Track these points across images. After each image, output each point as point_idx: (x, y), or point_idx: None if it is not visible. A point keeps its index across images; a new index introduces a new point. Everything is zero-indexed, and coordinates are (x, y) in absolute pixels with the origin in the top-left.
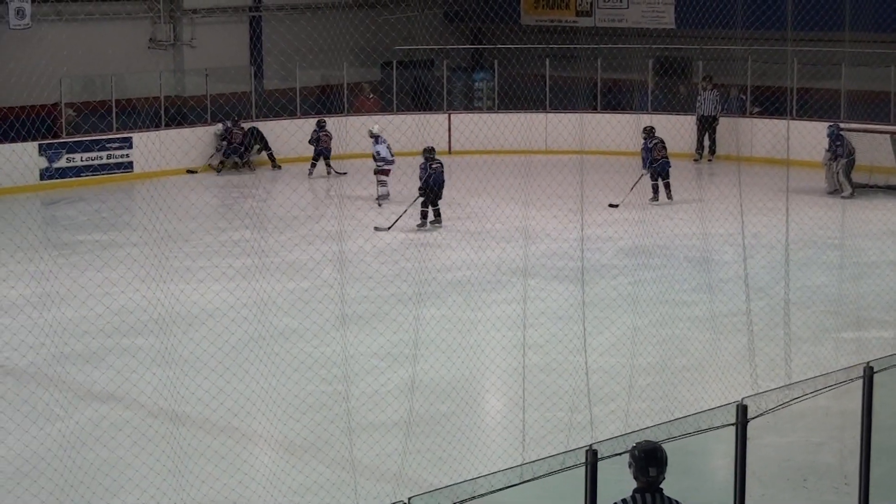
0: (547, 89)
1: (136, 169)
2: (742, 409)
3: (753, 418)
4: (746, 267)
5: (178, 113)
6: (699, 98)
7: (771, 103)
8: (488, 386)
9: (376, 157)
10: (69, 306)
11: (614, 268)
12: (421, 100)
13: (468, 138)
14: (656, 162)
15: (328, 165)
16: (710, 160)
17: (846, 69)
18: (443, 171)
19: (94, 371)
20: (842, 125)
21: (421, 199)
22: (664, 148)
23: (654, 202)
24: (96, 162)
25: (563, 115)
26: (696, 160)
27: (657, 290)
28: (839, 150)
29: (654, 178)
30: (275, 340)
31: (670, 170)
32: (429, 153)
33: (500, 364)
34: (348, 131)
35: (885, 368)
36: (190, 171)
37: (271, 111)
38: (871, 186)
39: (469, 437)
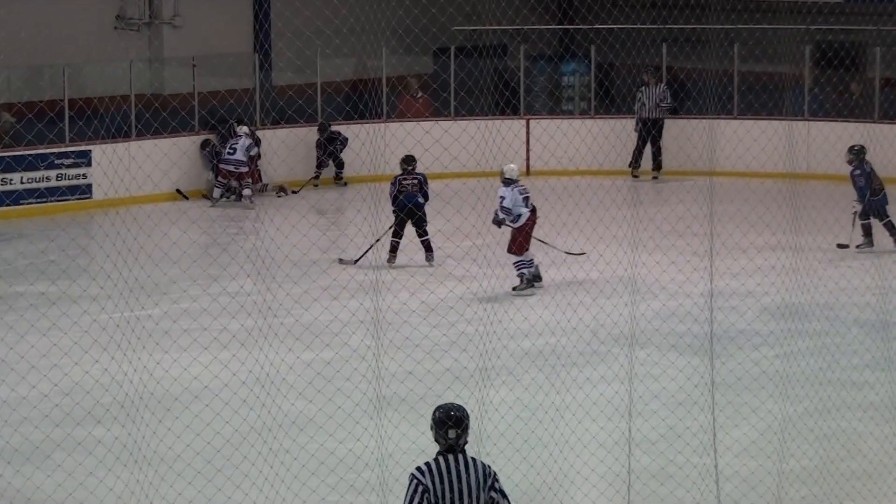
0: (663, 85)
1: (97, 194)
2: None
3: None
4: None
5: (154, 117)
6: (639, 96)
7: None
8: (580, 498)
9: (501, 209)
10: (3, 384)
11: (756, 335)
12: (489, 100)
13: (554, 153)
14: (876, 195)
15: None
16: (655, 177)
17: None
18: (420, 188)
19: (37, 473)
20: None
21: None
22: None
23: (868, 248)
24: (43, 185)
25: (684, 120)
26: (634, 176)
27: (817, 365)
28: None
29: (866, 217)
30: (285, 433)
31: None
32: (405, 163)
33: (597, 468)
34: (388, 143)
35: None
36: (180, 194)
37: (283, 114)
38: None
39: None
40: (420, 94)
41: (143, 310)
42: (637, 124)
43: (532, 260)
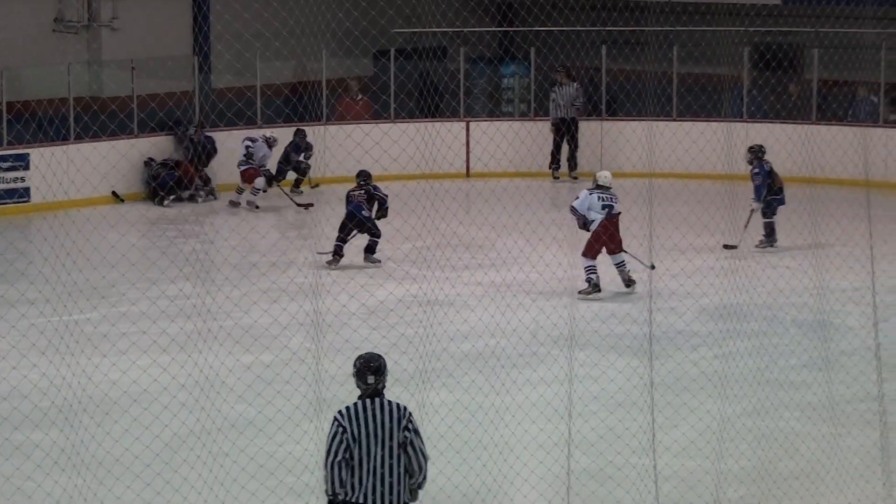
0: (603, 88)
1: (35, 198)
2: None
3: None
4: (878, 335)
5: (93, 120)
6: (553, 96)
7: None
8: (519, 500)
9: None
10: None
11: (695, 336)
12: (429, 103)
13: (493, 155)
14: (777, 194)
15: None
16: (574, 178)
17: None
18: (366, 200)
19: None
20: None
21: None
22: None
23: (771, 247)
24: None
25: (625, 122)
26: (554, 178)
27: (755, 366)
28: None
29: (768, 216)
30: (224, 436)
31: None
32: (357, 177)
33: (536, 469)
34: (328, 146)
35: None
36: (116, 196)
37: (222, 117)
38: None
39: None
40: (360, 97)
41: (81, 313)
42: (553, 125)
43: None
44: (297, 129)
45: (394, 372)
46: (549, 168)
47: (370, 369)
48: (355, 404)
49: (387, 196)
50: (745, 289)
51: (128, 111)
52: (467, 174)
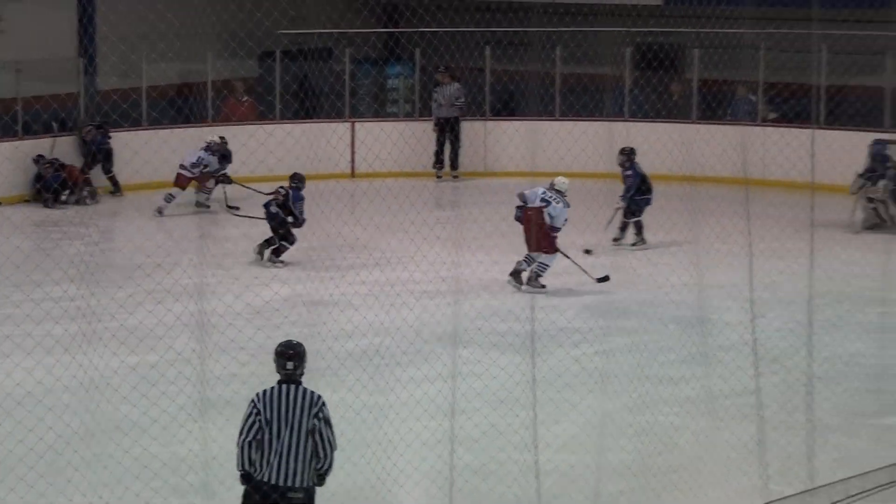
0: (487, 88)
1: None
2: None
3: None
4: (755, 330)
5: None
6: (435, 96)
7: (791, 107)
8: (403, 496)
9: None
10: None
11: (576, 332)
12: (314, 103)
13: (378, 155)
14: (645, 194)
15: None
16: (454, 176)
17: (892, 60)
18: (285, 202)
19: None
20: (885, 140)
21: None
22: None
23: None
24: None
25: (509, 122)
26: (437, 177)
27: (634, 362)
28: (889, 172)
29: (637, 215)
30: (109, 437)
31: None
32: (291, 180)
33: (420, 466)
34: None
35: None
36: None
37: (108, 118)
38: None
39: None
40: (245, 98)
41: None
42: (435, 125)
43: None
44: (221, 137)
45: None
46: (433, 167)
47: (289, 356)
48: (272, 388)
49: (302, 211)
50: (625, 286)
51: (11, 113)
52: (352, 174)
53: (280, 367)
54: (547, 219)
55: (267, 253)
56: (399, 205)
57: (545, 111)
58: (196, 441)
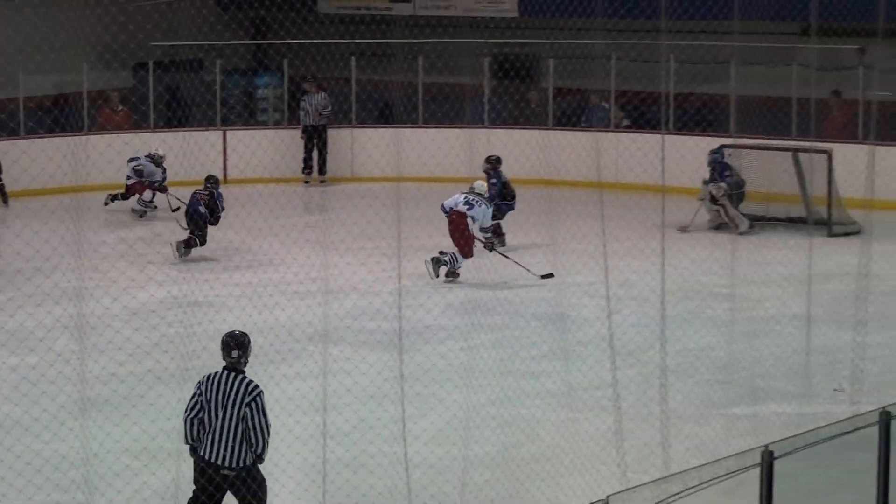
0: (353, 97)
1: None
2: None
3: None
4: (612, 325)
5: None
6: (303, 104)
7: (641, 114)
8: (278, 489)
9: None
10: None
11: (442, 329)
12: (186, 112)
13: (249, 162)
14: (508, 200)
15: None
16: (322, 182)
17: (736, 69)
18: (209, 201)
19: None
20: (729, 145)
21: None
22: None
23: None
24: None
25: (374, 130)
26: (305, 182)
27: (497, 357)
28: (728, 179)
29: (498, 218)
30: None
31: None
32: (205, 181)
33: (293, 460)
34: (89, 155)
35: (787, 453)
36: None
37: None
38: (769, 219)
39: None
40: (120, 108)
41: None
42: (303, 132)
43: (451, 255)
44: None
45: (155, 371)
46: (302, 173)
47: (233, 345)
48: (216, 373)
49: (224, 208)
50: (489, 284)
51: None
52: (225, 180)
53: (226, 355)
54: (470, 222)
55: (184, 249)
56: (270, 209)
57: (409, 119)
58: (77, 438)
